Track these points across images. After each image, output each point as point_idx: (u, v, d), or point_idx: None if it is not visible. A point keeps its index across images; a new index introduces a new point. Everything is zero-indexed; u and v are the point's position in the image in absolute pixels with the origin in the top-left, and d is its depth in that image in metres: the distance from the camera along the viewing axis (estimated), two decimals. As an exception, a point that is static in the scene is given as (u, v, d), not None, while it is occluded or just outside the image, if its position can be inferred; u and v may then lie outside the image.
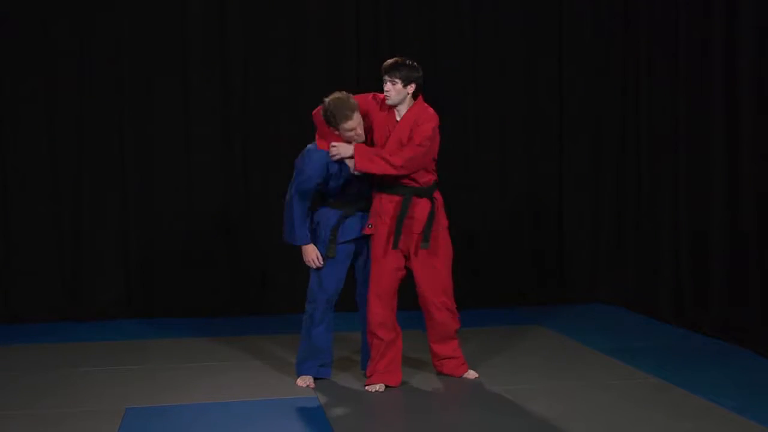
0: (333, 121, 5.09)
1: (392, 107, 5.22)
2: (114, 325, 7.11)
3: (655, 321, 7.18)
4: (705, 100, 6.77)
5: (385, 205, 5.22)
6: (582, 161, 8.03)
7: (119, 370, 5.72)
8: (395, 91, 5.14)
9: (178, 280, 7.43)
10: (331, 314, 5.36)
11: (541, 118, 7.98)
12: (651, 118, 7.52)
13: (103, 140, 7.31)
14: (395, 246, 5.19)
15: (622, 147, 7.93)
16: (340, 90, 5.22)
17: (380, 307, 5.20)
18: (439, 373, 5.53)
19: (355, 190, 5.25)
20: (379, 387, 5.20)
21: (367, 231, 5.25)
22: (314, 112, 5.32)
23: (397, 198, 5.21)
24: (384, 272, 5.20)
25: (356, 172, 5.09)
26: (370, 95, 5.33)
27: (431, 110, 5.25)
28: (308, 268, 5.34)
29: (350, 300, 5.68)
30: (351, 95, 5.16)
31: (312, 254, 5.24)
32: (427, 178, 5.26)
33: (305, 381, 5.34)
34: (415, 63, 5.22)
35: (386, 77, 5.16)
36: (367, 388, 5.21)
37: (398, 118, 5.21)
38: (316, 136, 5.28)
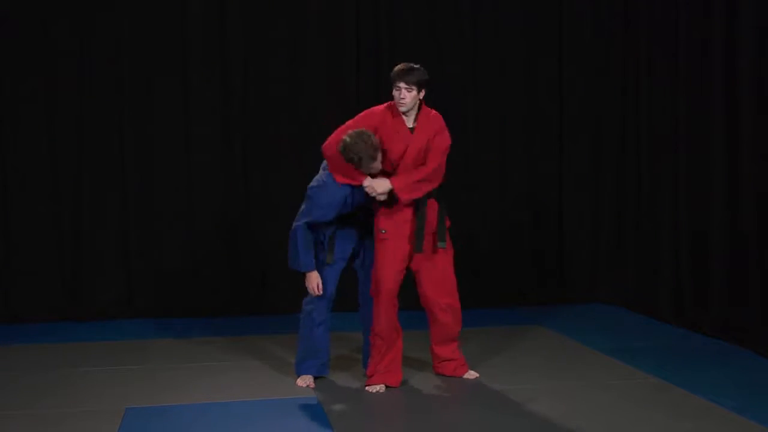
0: (359, 163, 5.00)
1: (402, 114, 5.16)
2: (114, 325, 7.11)
3: (655, 321, 7.18)
4: (705, 100, 6.77)
5: (402, 209, 5.19)
6: (582, 161, 8.03)
7: (119, 370, 5.72)
8: (410, 97, 5.08)
9: (178, 280, 7.43)
10: (330, 314, 5.37)
11: (541, 118, 7.98)
12: (651, 118, 7.52)
13: (103, 140, 7.31)
14: (419, 249, 5.18)
15: (622, 147, 7.93)
16: (363, 133, 5.01)
17: (385, 311, 5.19)
18: (439, 375, 5.53)
19: (356, 213, 5.27)
20: (379, 388, 5.20)
21: (381, 237, 5.20)
22: (325, 146, 5.18)
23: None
24: (390, 275, 5.18)
25: (381, 197, 5.07)
26: (373, 112, 5.19)
27: (437, 114, 5.24)
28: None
29: (350, 300, 5.68)
30: (369, 132, 5.01)
31: (314, 281, 5.22)
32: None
33: (305, 381, 5.35)
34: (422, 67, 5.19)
35: (401, 84, 5.05)
36: (367, 388, 5.21)
37: (409, 125, 5.16)
38: (330, 169, 5.16)
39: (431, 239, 5.26)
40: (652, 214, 7.53)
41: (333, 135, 5.16)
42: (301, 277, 5.37)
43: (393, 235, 5.18)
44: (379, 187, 5.04)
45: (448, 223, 5.35)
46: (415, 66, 5.11)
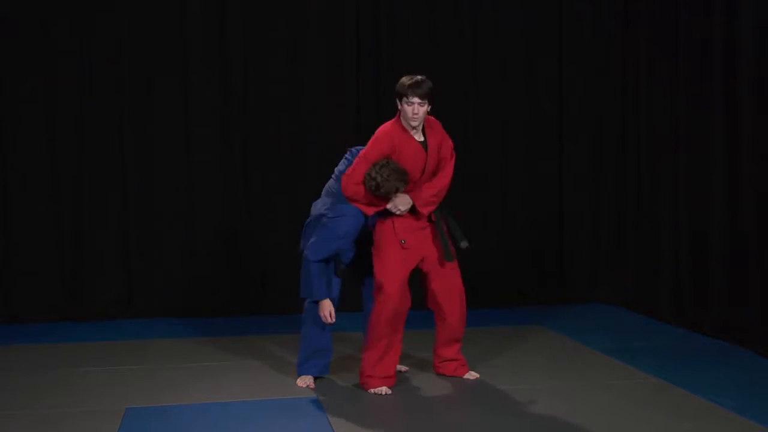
0: (386, 196, 5.02)
1: (410, 128, 5.12)
2: (114, 325, 7.12)
3: (655, 321, 7.18)
4: (705, 100, 6.77)
5: (416, 218, 5.20)
6: (582, 161, 8.03)
7: (119, 370, 5.72)
8: (423, 111, 5.05)
9: (178, 280, 7.43)
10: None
11: (541, 119, 7.98)
12: (651, 118, 7.52)
13: (103, 140, 7.32)
14: (450, 258, 5.23)
15: (622, 147, 7.93)
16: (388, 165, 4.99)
17: (393, 313, 5.15)
18: (440, 375, 5.53)
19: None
20: (385, 390, 5.17)
21: (403, 248, 5.18)
22: (344, 186, 5.08)
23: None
24: (398, 281, 5.15)
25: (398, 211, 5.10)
26: (382, 137, 5.10)
27: (434, 119, 5.23)
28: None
29: (350, 300, 5.68)
30: (394, 163, 4.98)
31: (327, 310, 5.18)
32: None
33: (305, 381, 5.34)
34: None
35: (415, 99, 4.98)
36: (372, 391, 5.18)
37: (419, 140, 5.13)
38: (354, 203, 5.09)
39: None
40: (652, 214, 7.53)
41: (350, 172, 5.07)
42: (300, 277, 5.38)
43: (410, 244, 5.20)
44: (402, 205, 5.09)
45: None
46: (422, 78, 5.05)
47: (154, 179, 7.42)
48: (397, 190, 5.00)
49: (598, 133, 8.04)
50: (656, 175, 7.45)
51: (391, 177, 4.93)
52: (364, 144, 5.22)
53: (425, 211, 5.19)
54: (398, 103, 5.08)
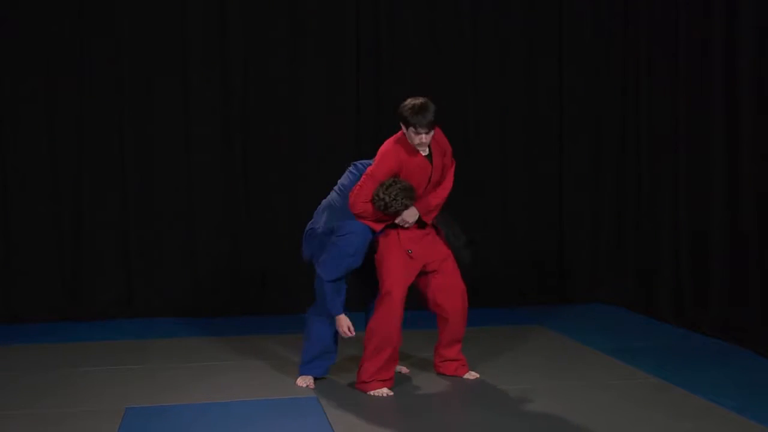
0: (396, 213, 5.04)
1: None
2: (114, 324, 7.12)
3: (655, 321, 7.18)
4: (705, 100, 6.77)
5: (422, 228, 5.23)
6: (582, 161, 8.03)
7: (119, 370, 5.72)
8: (429, 138, 5.02)
9: (178, 280, 7.43)
10: None
11: (541, 118, 7.98)
12: (651, 118, 7.52)
13: (103, 140, 7.31)
14: (466, 260, 5.31)
15: (622, 147, 7.93)
16: (393, 182, 5.00)
17: (397, 319, 5.16)
18: (440, 374, 5.53)
19: None
20: (387, 392, 5.17)
21: (410, 257, 5.19)
22: (351, 204, 5.07)
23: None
24: (403, 287, 5.17)
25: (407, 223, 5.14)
26: (389, 154, 5.07)
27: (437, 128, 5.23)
28: (310, 269, 5.34)
29: (350, 300, 5.67)
30: (402, 181, 5.00)
31: (345, 325, 5.18)
32: None
33: (305, 381, 5.34)
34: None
35: (423, 130, 4.94)
36: (373, 393, 5.17)
37: (425, 154, 5.12)
38: (363, 220, 5.08)
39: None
40: (652, 214, 7.53)
41: (357, 190, 5.06)
42: (301, 277, 5.39)
43: (416, 253, 5.22)
44: (410, 218, 5.12)
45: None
46: (426, 104, 4.97)
47: (154, 179, 7.42)
48: (406, 207, 5.02)
49: (598, 133, 8.04)
50: (656, 175, 7.45)
51: (399, 196, 4.96)
52: (364, 155, 5.22)
53: (429, 219, 5.23)
54: (402, 126, 5.03)
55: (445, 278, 5.31)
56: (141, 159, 7.38)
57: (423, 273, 5.32)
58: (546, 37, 7.96)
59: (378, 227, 5.13)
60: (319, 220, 5.29)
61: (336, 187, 5.31)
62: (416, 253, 5.21)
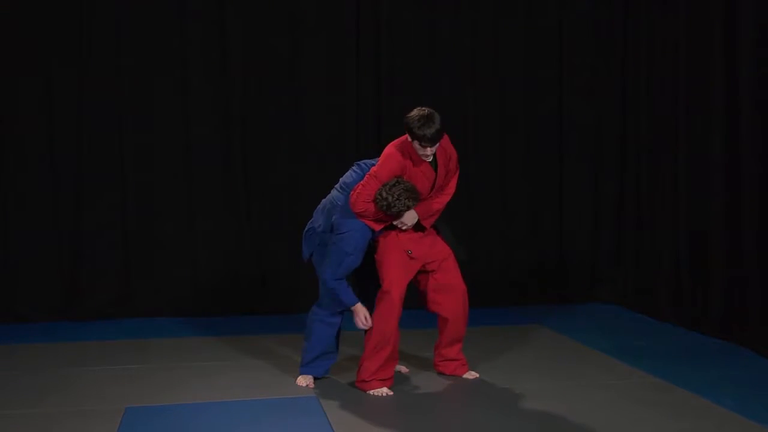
0: (398, 214, 5.04)
1: None
2: (114, 324, 7.12)
3: (654, 320, 7.18)
4: (705, 100, 6.77)
5: (418, 229, 5.24)
6: (582, 161, 8.03)
7: (119, 370, 5.73)
8: (433, 150, 5.01)
9: (177, 280, 7.43)
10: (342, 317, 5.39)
11: (541, 118, 7.98)
12: (651, 118, 7.52)
13: (103, 140, 7.31)
14: (465, 256, 5.34)
15: (622, 147, 7.93)
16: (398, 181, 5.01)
17: (396, 319, 5.18)
18: (440, 374, 5.54)
19: None
20: (387, 391, 5.18)
21: (410, 258, 5.21)
22: (353, 203, 5.06)
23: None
24: (403, 287, 5.19)
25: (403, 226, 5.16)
26: (393, 157, 5.07)
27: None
28: (310, 269, 5.35)
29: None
30: (406, 182, 5.00)
31: (362, 314, 5.17)
32: None
33: (306, 380, 5.35)
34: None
35: (431, 144, 4.93)
36: (372, 392, 5.18)
37: (429, 160, 5.11)
38: (363, 219, 5.08)
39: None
40: (652, 214, 7.53)
41: (360, 189, 5.06)
42: (302, 276, 5.39)
43: (415, 254, 5.23)
44: (409, 221, 5.13)
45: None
46: (433, 117, 4.92)
47: (154, 179, 7.42)
48: (408, 209, 5.02)
49: (598, 134, 8.04)
50: (656, 175, 7.45)
51: (402, 196, 4.96)
52: (364, 155, 5.23)
53: (428, 224, 5.25)
54: (408, 135, 5.01)
55: (446, 278, 5.32)
56: (141, 159, 7.38)
57: (423, 272, 5.33)
58: (546, 37, 7.96)
59: (377, 227, 5.13)
60: (319, 219, 5.29)
61: (338, 186, 5.31)
62: (416, 253, 5.23)
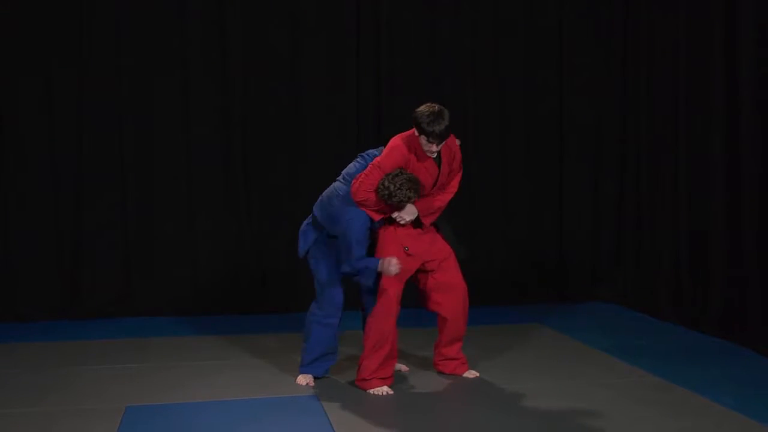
0: (398, 204, 5.03)
1: None
2: (114, 323, 7.12)
3: (654, 319, 7.18)
4: (705, 100, 6.77)
5: (417, 226, 5.24)
6: (582, 161, 8.03)
7: (120, 369, 5.73)
8: (439, 147, 5.03)
9: (178, 279, 7.44)
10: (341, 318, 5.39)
11: (541, 118, 7.99)
12: (651, 118, 7.53)
13: (103, 140, 7.31)
14: (464, 255, 5.35)
15: (622, 147, 7.94)
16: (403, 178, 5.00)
17: (394, 318, 5.18)
18: (440, 373, 5.54)
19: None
20: (387, 390, 5.18)
21: (407, 254, 5.21)
22: (354, 191, 5.06)
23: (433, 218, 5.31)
24: (400, 286, 5.19)
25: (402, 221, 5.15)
26: (397, 149, 5.07)
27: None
28: (309, 270, 5.35)
29: (349, 299, 5.68)
30: (409, 174, 4.99)
31: (393, 263, 5.10)
32: None
33: (306, 379, 5.35)
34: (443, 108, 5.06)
35: (438, 141, 4.95)
36: (372, 391, 5.18)
37: (433, 157, 5.12)
38: (364, 208, 5.08)
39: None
40: (652, 214, 7.53)
41: (362, 178, 5.05)
42: (301, 276, 5.39)
43: (413, 250, 5.23)
44: (408, 216, 5.12)
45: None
46: (443, 114, 4.94)
47: (154, 179, 7.42)
48: (409, 200, 5.01)
49: (598, 133, 8.04)
50: (656, 175, 7.45)
51: (404, 186, 4.96)
52: (369, 145, 5.22)
53: (428, 221, 5.25)
54: (415, 129, 5.01)
55: (446, 277, 5.32)
56: (141, 159, 7.39)
57: (423, 271, 5.33)
58: (546, 37, 7.96)
59: (377, 218, 5.12)
60: (317, 212, 5.29)
61: (340, 177, 5.30)
62: (413, 250, 5.22)
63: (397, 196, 4.95)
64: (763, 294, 6.18)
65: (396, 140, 5.12)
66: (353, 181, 5.10)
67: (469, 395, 5.20)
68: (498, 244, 7.90)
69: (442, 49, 7.75)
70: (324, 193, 5.33)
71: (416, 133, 5.01)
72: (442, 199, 5.28)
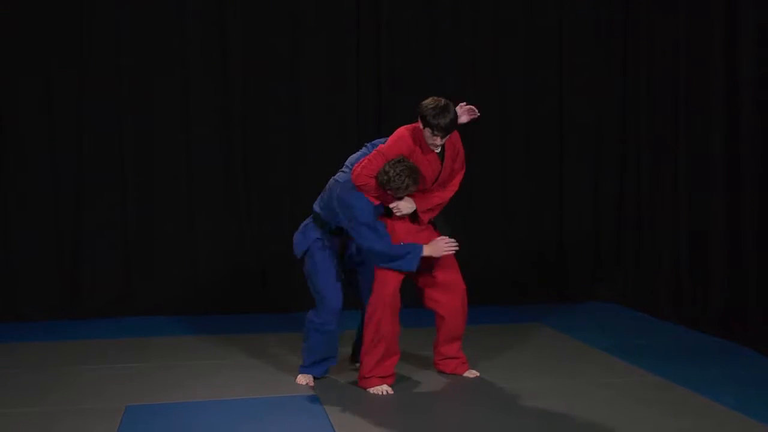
0: (395, 192, 5.01)
1: None
2: (114, 323, 7.12)
3: (654, 319, 7.18)
4: (705, 100, 6.77)
5: (418, 223, 5.24)
6: (582, 160, 8.03)
7: (120, 368, 5.73)
8: (444, 140, 5.04)
9: (178, 279, 7.44)
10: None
11: (541, 118, 7.99)
12: (651, 118, 7.53)
13: (103, 140, 7.31)
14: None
15: (622, 147, 7.94)
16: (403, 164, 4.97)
17: (391, 316, 5.17)
18: (440, 372, 5.54)
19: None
20: (387, 389, 5.18)
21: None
22: (355, 176, 5.05)
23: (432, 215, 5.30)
24: (396, 283, 5.18)
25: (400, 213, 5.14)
26: (403, 139, 5.08)
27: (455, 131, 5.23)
28: (305, 277, 5.35)
29: (348, 298, 5.68)
30: (412, 164, 4.97)
31: (441, 244, 5.12)
32: None
33: (305, 379, 5.35)
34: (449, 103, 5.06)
35: (443, 133, 4.96)
36: (372, 390, 5.17)
37: (437, 151, 5.13)
38: (364, 192, 5.07)
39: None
40: (652, 214, 7.53)
41: (365, 163, 5.05)
42: (301, 276, 5.38)
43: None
44: (405, 209, 5.12)
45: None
46: (448, 108, 4.95)
47: (154, 179, 7.42)
48: (407, 188, 4.99)
49: (598, 133, 8.05)
50: (656, 175, 7.45)
51: (403, 173, 4.93)
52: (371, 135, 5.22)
53: (425, 218, 5.24)
54: (420, 121, 5.01)
55: (444, 276, 5.31)
56: (141, 159, 7.39)
57: (421, 269, 5.31)
58: (546, 37, 7.96)
59: (376, 201, 5.10)
60: (317, 208, 5.27)
61: (343, 168, 5.27)
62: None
63: (395, 181, 4.93)
64: (763, 293, 6.18)
65: (402, 130, 5.13)
66: (355, 166, 5.09)
67: (469, 395, 5.20)
68: (498, 244, 7.90)
69: (442, 49, 7.76)
70: (325, 187, 5.32)
71: (421, 126, 5.01)
72: (442, 197, 5.27)
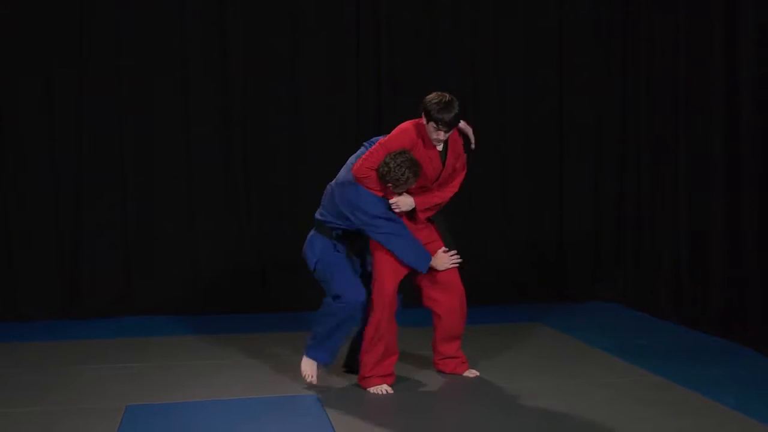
0: (394, 184, 5.00)
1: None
2: (114, 323, 7.12)
3: (655, 319, 7.18)
4: (705, 100, 6.77)
5: (417, 222, 5.24)
6: (582, 160, 8.03)
7: (120, 368, 5.73)
8: (446, 135, 5.05)
9: (178, 278, 7.44)
10: None
11: (541, 119, 7.99)
12: (651, 118, 7.53)
13: (103, 140, 7.32)
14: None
15: (622, 147, 7.94)
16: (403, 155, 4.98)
17: (390, 316, 5.16)
18: (440, 372, 5.54)
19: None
20: (386, 389, 5.18)
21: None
22: (356, 169, 5.05)
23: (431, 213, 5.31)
24: (395, 283, 5.18)
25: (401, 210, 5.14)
26: (406, 132, 5.09)
27: (456, 133, 5.23)
28: (309, 272, 5.33)
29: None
30: (413, 158, 4.97)
31: (445, 258, 5.17)
32: None
33: (310, 367, 5.20)
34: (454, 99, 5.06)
35: (446, 128, 4.97)
36: (371, 390, 5.17)
37: (439, 149, 5.13)
38: (364, 185, 5.06)
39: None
40: (652, 214, 7.53)
41: (367, 155, 5.05)
42: (302, 276, 5.38)
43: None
44: (403, 205, 5.12)
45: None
46: (452, 103, 4.97)
47: (154, 179, 7.43)
48: (407, 180, 4.98)
49: (598, 133, 8.05)
50: (656, 175, 7.45)
51: (403, 165, 4.93)
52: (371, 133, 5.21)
53: (423, 216, 5.24)
54: (424, 116, 5.02)
55: (443, 275, 5.30)
56: (141, 159, 7.39)
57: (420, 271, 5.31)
58: (546, 37, 7.96)
59: (377, 194, 5.09)
60: (325, 212, 5.26)
61: (345, 166, 5.26)
62: None
63: (395, 173, 4.93)
64: (763, 293, 6.18)
65: (407, 123, 5.14)
66: (358, 159, 5.09)
67: (468, 395, 5.20)
68: (498, 244, 7.90)
69: (442, 49, 7.76)
70: (324, 193, 5.31)
71: (424, 121, 5.01)
72: (441, 196, 5.26)
